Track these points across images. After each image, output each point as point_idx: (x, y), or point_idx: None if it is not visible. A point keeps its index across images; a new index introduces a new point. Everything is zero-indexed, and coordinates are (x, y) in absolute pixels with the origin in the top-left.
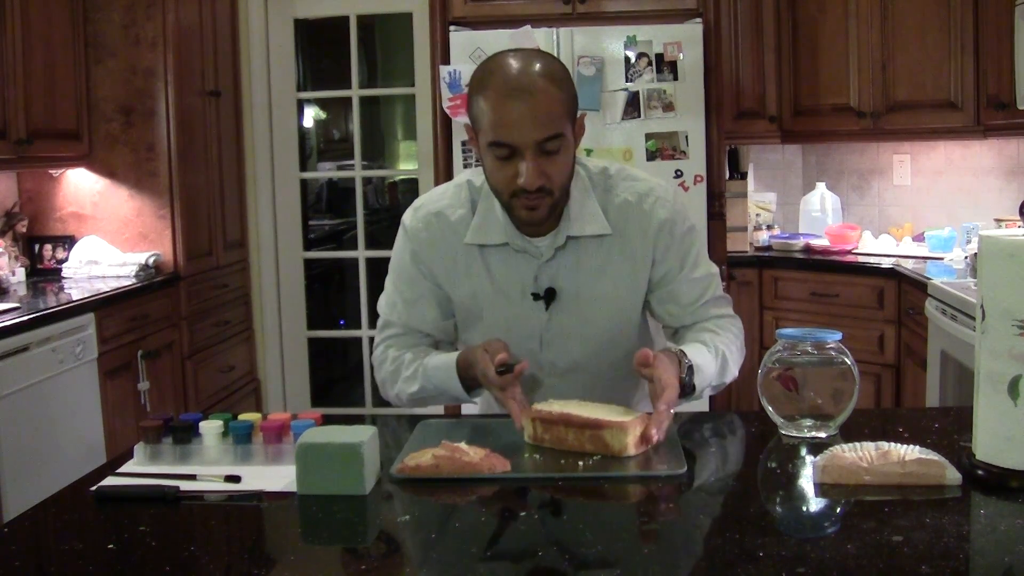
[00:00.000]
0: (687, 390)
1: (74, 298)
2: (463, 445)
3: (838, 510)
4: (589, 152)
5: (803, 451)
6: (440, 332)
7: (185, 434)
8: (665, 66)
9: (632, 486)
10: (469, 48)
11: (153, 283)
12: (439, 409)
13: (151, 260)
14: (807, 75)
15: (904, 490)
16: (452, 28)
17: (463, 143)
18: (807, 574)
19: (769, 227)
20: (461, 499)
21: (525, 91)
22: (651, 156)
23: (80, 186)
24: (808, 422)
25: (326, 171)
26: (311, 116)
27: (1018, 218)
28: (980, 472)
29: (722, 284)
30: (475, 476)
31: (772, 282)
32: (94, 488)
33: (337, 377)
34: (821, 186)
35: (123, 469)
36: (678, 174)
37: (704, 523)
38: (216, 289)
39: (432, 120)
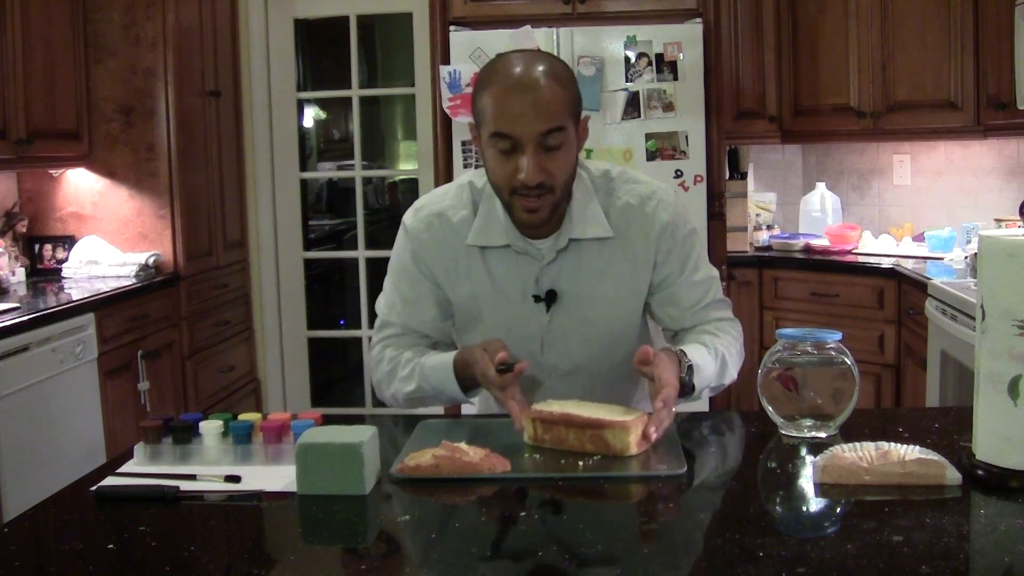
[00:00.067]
0: (686, 390)
1: (74, 298)
2: (463, 445)
3: (838, 510)
4: (589, 153)
5: (803, 451)
6: (438, 333)
7: (185, 434)
8: (665, 66)
9: (632, 486)
10: (469, 48)
11: (153, 283)
12: (439, 409)
13: (151, 260)
14: (807, 75)
15: (904, 490)
16: (452, 28)
17: (463, 143)
18: (807, 574)
19: (769, 227)
20: (461, 499)
21: (529, 86)
22: (651, 156)
23: (80, 186)
24: (808, 422)
25: (326, 171)
26: (311, 116)
27: (1018, 218)
28: (980, 472)
29: (722, 287)
30: (475, 476)
31: (772, 282)
32: (94, 488)
33: (337, 377)
34: (821, 186)
35: (123, 469)
36: (678, 174)
37: (704, 523)
38: (216, 289)
39: (432, 120)
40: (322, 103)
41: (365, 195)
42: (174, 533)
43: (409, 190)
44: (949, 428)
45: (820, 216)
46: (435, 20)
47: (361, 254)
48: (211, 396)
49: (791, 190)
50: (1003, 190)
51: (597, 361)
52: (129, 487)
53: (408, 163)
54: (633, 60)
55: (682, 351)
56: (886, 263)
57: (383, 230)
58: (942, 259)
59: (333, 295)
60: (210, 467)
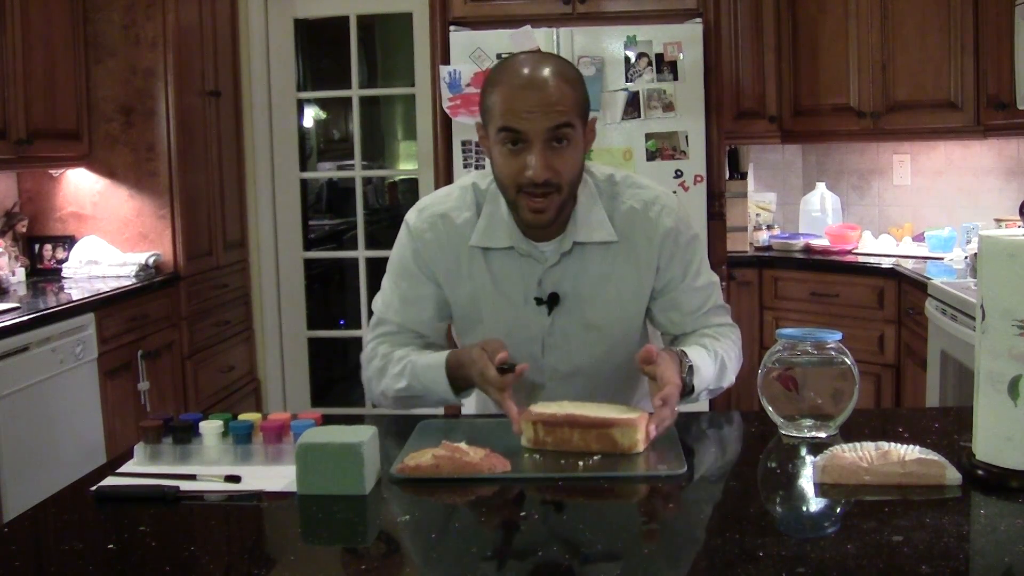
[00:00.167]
0: (686, 390)
1: (74, 298)
2: (463, 445)
3: (838, 510)
4: (589, 153)
5: (803, 451)
6: (434, 333)
7: (185, 434)
8: (665, 66)
9: (632, 486)
10: (469, 48)
11: (153, 283)
12: (439, 409)
13: (151, 260)
14: (807, 75)
15: (904, 490)
16: (452, 28)
17: (463, 143)
18: (807, 574)
19: (769, 227)
20: (461, 499)
21: (538, 84)
22: (651, 156)
23: (80, 186)
24: (808, 422)
25: (326, 171)
26: (311, 116)
27: (1018, 218)
28: (980, 472)
29: (722, 288)
30: (475, 476)
31: (772, 282)
32: (94, 488)
33: (337, 377)
34: (821, 186)
35: (123, 469)
36: (678, 174)
37: (704, 523)
38: (216, 289)
39: (432, 120)
40: (322, 103)
41: (365, 195)
42: (174, 533)
43: (409, 190)
44: (949, 428)
45: (820, 216)
46: (435, 20)
47: (361, 254)
48: (211, 396)
49: (791, 190)
50: (1003, 190)
51: (597, 364)
52: (129, 487)
53: (408, 163)
54: (633, 60)
55: (683, 352)
56: (886, 263)
57: (383, 230)
58: (942, 259)
59: (333, 295)
60: (210, 467)
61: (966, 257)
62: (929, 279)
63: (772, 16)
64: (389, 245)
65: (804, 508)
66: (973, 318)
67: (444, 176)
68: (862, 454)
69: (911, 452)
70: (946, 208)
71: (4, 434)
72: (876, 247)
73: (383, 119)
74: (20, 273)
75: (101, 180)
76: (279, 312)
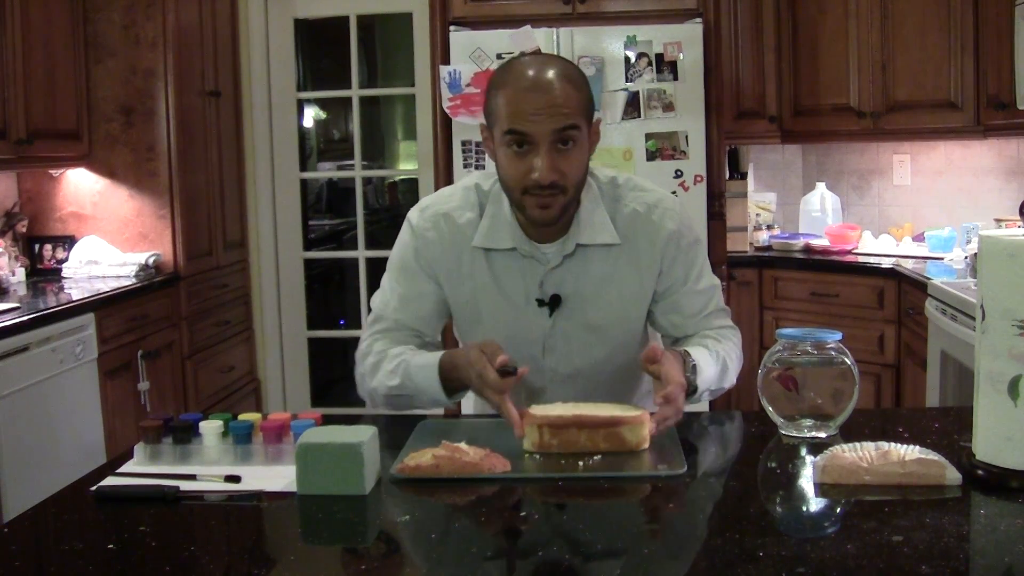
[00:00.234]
0: (688, 390)
1: (74, 298)
2: (463, 445)
3: (838, 510)
4: None
5: (803, 451)
6: (432, 332)
7: (185, 434)
8: (665, 66)
9: (632, 486)
10: (469, 48)
11: (153, 283)
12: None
13: (151, 260)
14: (807, 75)
15: (904, 490)
16: (452, 28)
17: (463, 143)
18: (807, 574)
19: (769, 227)
20: (461, 499)
21: (544, 86)
22: (651, 156)
23: (80, 186)
24: (808, 422)
25: (326, 171)
26: (311, 116)
27: (1018, 218)
28: (980, 472)
29: (722, 288)
30: (475, 476)
31: (772, 282)
32: (94, 488)
33: (337, 377)
34: (821, 186)
35: (123, 469)
36: (678, 174)
37: (704, 523)
38: (216, 289)
39: (432, 120)
40: (322, 103)
41: (365, 195)
42: (174, 533)
43: (409, 190)
44: (949, 428)
45: (820, 216)
46: (435, 20)
47: (361, 254)
48: (211, 396)
49: (791, 190)
50: (1003, 190)
51: (598, 366)
52: (129, 487)
53: (408, 163)
54: (633, 60)
55: (686, 351)
56: (886, 263)
57: (383, 230)
58: (942, 259)
59: (333, 295)
60: (210, 467)
61: (966, 257)
62: (929, 279)
63: (772, 16)
64: (389, 245)
65: (804, 508)
66: (973, 318)
67: (444, 176)
68: (862, 454)
69: (911, 452)
70: (946, 208)
71: (4, 434)
72: (876, 247)
73: (383, 119)
74: (20, 273)
75: (101, 180)
76: (279, 312)
